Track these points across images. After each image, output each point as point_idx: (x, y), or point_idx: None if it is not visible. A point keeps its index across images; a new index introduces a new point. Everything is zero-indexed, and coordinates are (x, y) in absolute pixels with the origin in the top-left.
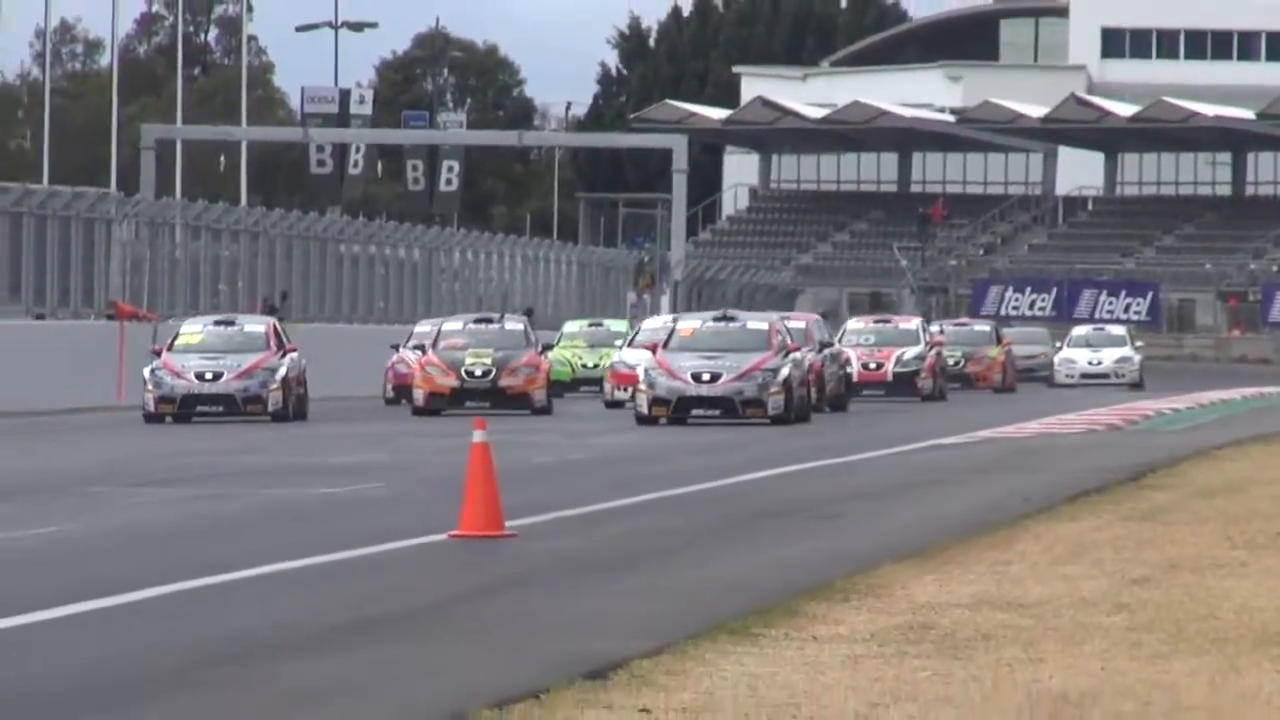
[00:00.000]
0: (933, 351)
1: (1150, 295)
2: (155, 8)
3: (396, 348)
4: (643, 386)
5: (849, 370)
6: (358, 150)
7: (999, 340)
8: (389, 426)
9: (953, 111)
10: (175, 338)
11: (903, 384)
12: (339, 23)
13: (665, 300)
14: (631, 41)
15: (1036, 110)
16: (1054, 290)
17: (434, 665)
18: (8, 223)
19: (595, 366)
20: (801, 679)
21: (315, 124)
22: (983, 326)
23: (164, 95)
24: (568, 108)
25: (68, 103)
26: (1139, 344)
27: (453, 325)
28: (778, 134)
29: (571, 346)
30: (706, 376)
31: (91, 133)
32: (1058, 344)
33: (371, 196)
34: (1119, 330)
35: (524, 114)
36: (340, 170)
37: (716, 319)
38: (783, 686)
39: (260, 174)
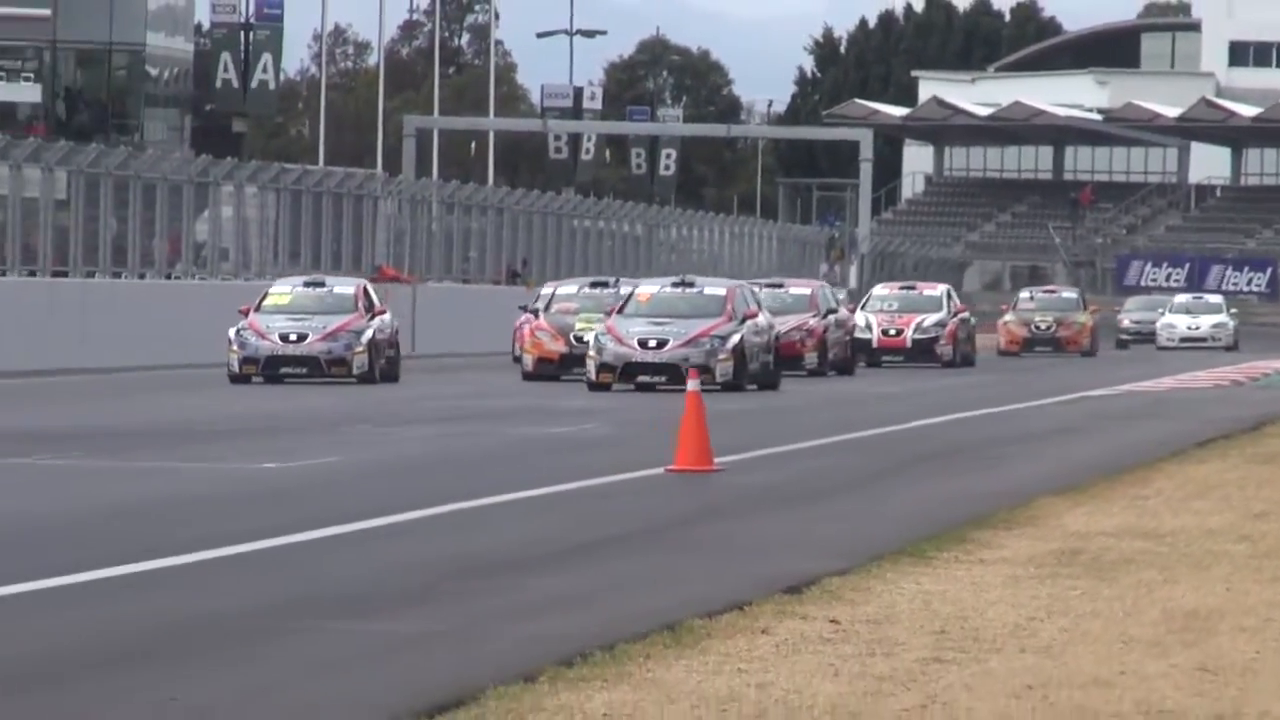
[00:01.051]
0: (955, 319)
1: (1269, 270)
2: (416, 15)
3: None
4: (591, 352)
5: (868, 335)
6: (589, 139)
7: (1085, 307)
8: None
9: (1100, 111)
10: (264, 298)
11: (922, 350)
12: (574, 30)
13: (853, 270)
14: (825, 48)
15: (1172, 111)
16: (1186, 265)
17: (654, 579)
18: (289, 198)
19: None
20: (969, 595)
21: (553, 116)
22: (1070, 294)
23: (423, 90)
24: (769, 105)
25: (340, 96)
26: (1233, 311)
27: (566, 289)
28: (950, 129)
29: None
30: (653, 343)
31: (360, 122)
32: (1161, 310)
33: (600, 179)
34: (1216, 299)
35: (731, 109)
36: (574, 156)
37: (675, 284)
38: (953, 602)
39: (505, 159)
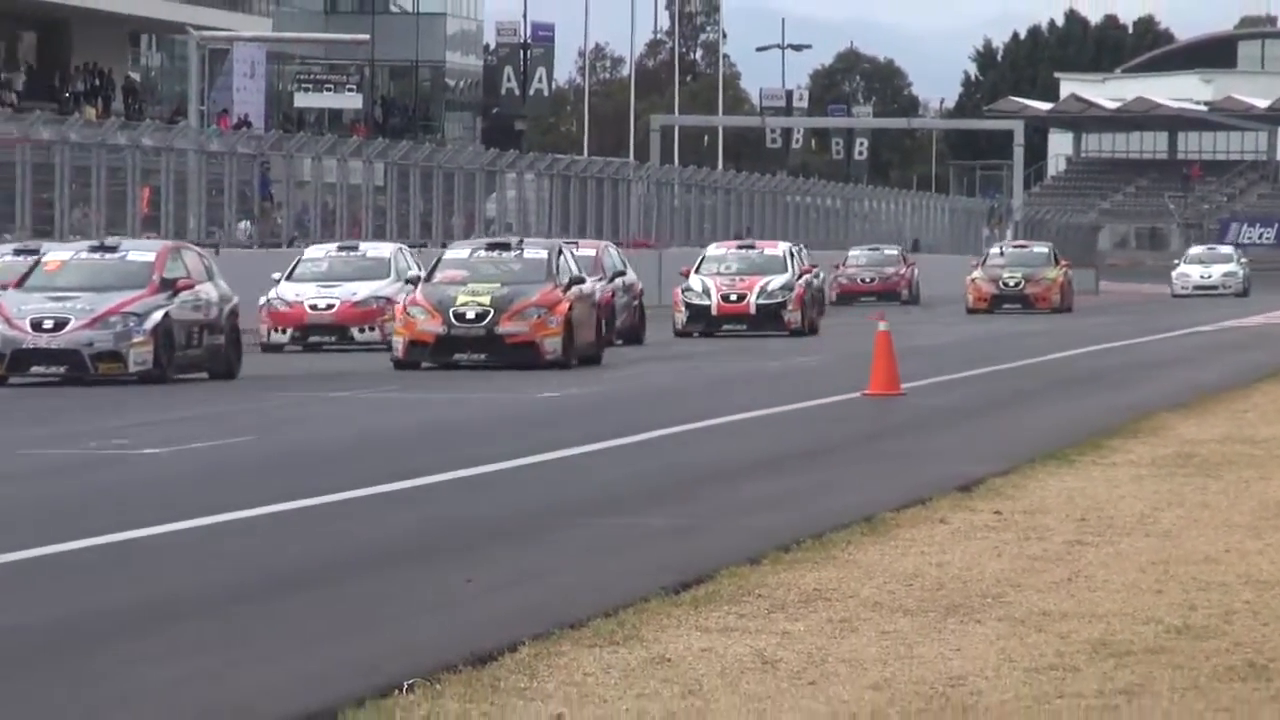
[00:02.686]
0: (802, 280)
1: None
2: (659, 35)
3: None
4: None
5: (706, 302)
6: (798, 132)
7: (1057, 262)
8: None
9: (1205, 103)
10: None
11: (768, 317)
12: (785, 45)
13: (1009, 233)
14: (985, 56)
15: (1263, 102)
16: (1275, 225)
17: (853, 482)
18: (560, 182)
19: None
20: (1103, 490)
21: (769, 114)
22: (1041, 248)
23: (665, 95)
24: (941, 102)
25: (599, 100)
26: (1244, 260)
27: (456, 253)
28: (1085, 119)
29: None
30: (49, 324)
31: (616, 121)
32: (1176, 261)
33: (807, 163)
34: (1227, 249)
35: (911, 106)
36: (786, 146)
37: (93, 249)
38: (1090, 496)
39: (731, 148)
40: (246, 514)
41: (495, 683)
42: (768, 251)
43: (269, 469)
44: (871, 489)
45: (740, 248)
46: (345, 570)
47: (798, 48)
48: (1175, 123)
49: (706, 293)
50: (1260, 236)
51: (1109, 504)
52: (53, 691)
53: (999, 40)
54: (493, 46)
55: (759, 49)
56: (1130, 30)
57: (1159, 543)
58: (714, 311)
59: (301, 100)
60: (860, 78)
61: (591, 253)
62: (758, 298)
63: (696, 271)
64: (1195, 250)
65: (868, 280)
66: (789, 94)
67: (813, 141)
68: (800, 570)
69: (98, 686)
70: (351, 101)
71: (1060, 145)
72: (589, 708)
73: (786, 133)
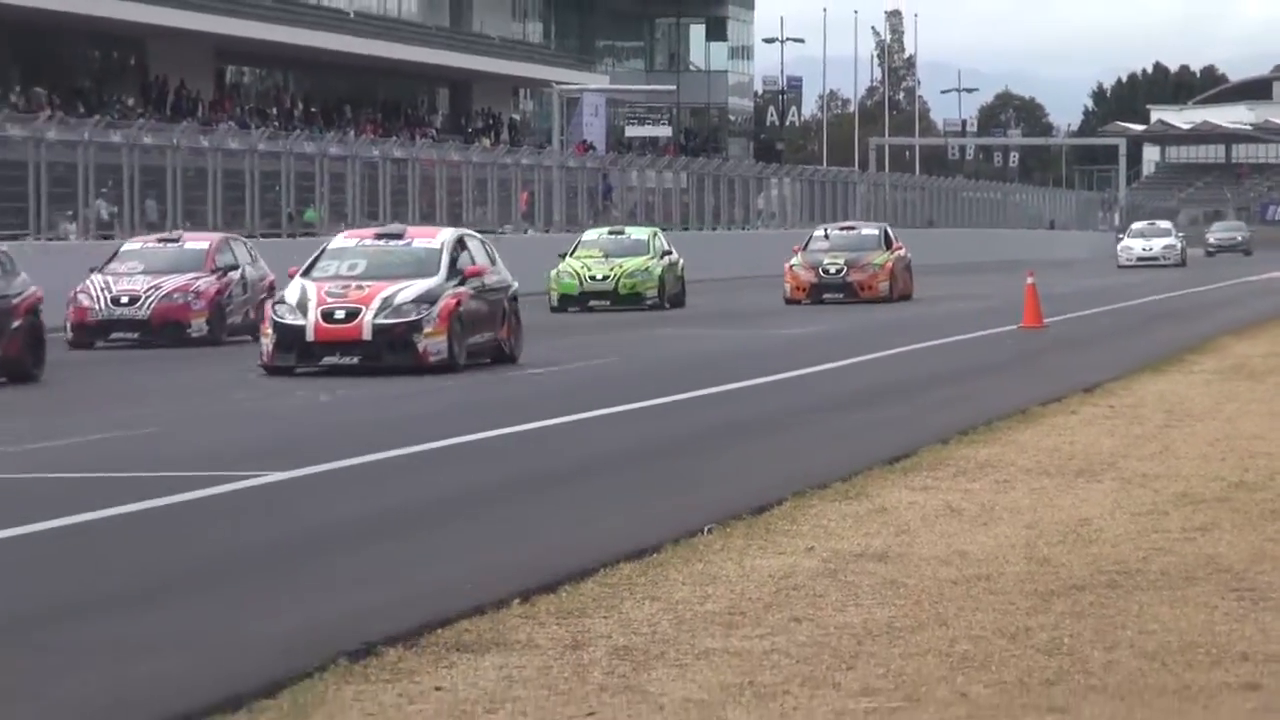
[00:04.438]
0: (459, 289)
1: None
2: (874, 83)
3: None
4: None
5: (300, 321)
6: (970, 148)
7: (889, 245)
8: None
9: (1251, 125)
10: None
11: (390, 346)
12: (961, 89)
13: (1117, 217)
14: (1099, 94)
15: None
16: None
17: (1009, 388)
18: (807, 185)
19: (605, 278)
20: (1183, 390)
21: (950, 136)
22: (871, 230)
23: (879, 124)
24: (1068, 126)
25: (833, 128)
26: (1181, 234)
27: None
28: (1168, 137)
29: (586, 256)
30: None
31: (845, 143)
32: (1119, 235)
33: (977, 169)
34: (1166, 224)
35: (1048, 129)
36: (961, 158)
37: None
38: (1174, 395)
39: (924, 161)
40: (572, 418)
41: (767, 526)
42: (418, 244)
43: (615, 384)
44: (1024, 391)
45: (380, 238)
46: (669, 451)
47: (969, 90)
48: (1230, 138)
49: (303, 308)
50: None
51: (1188, 400)
52: (446, 541)
53: (1108, 83)
54: (760, 93)
55: (943, 92)
56: (1198, 75)
57: (1222, 426)
58: (310, 336)
59: (630, 131)
60: (1012, 110)
61: (204, 245)
62: (376, 315)
63: (305, 274)
64: (1138, 225)
65: None
66: (963, 122)
67: (980, 155)
68: (975, 447)
69: (469, 545)
70: (664, 132)
71: (1151, 155)
72: (831, 542)
73: (962, 149)
